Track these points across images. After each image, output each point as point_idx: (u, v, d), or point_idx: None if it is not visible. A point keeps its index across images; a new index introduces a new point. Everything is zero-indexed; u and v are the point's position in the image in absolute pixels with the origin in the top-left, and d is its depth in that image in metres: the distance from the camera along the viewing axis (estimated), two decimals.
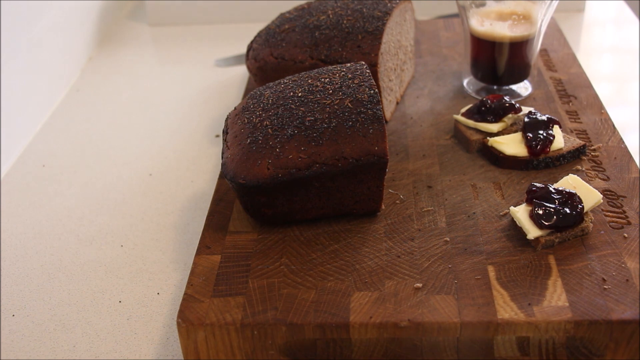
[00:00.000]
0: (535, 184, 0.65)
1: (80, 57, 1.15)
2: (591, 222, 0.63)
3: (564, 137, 0.75)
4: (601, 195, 0.64)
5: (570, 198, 0.63)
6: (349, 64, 0.70)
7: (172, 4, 1.26)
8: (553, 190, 0.63)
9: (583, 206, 0.62)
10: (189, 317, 0.57)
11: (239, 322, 0.56)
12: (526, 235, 0.62)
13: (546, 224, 0.61)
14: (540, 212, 0.62)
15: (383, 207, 0.68)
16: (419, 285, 0.58)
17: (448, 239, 0.63)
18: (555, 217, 0.61)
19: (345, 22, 0.81)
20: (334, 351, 0.57)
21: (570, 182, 0.65)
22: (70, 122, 0.99)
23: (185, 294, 0.60)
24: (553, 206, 0.62)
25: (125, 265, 0.72)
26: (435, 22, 1.09)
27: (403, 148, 0.77)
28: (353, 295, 0.58)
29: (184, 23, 1.27)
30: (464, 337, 0.56)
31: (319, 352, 0.57)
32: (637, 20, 1.19)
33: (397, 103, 0.87)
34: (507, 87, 0.87)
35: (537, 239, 0.61)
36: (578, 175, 0.69)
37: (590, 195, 0.64)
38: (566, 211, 0.62)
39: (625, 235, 0.63)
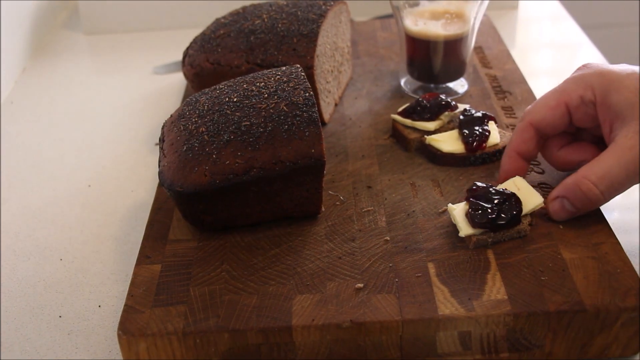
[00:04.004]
0: (477, 183, 0.65)
1: (13, 69, 1.13)
2: (530, 225, 0.63)
3: (499, 132, 0.76)
4: (542, 199, 0.64)
5: (508, 199, 0.62)
6: (284, 68, 0.70)
7: (107, 11, 1.24)
8: (493, 191, 0.63)
9: (521, 209, 0.62)
10: (129, 329, 0.56)
11: (180, 331, 0.56)
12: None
13: (478, 222, 0.61)
14: (474, 210, 0.62)
15: (323, 209, 0.68)
16: (360, 285, 0.59)
17: (388, 238, 0.64)
18: (488, 216, 0.61)
19: (280, 25, 0.81)
20: (278, 355, 0.57)
21: (514, 184, 0.65)
22: (5, 135, 0.97)
23: (125, 305, 0.59)
24: (489, 206, 0.62)
25: (64, 279, 0.71)
26: (372, 22, 1.10)
27: (342, 149, 0.78)
28: (295, 298, 0.58)
29: (120, 31, 1.26)
30: (407, 335, 0.56)
31: (263, 357, 0.57)
32: (570, 17, 1.22)
33: (336, 105, 0.87)
34: (443, 85, 0.88)
35: (469, 237, 0.62)
36: None
37: (531, 198, 0.63)
38: (501, 212, 0.62)
39: (561, 226, 0.64)
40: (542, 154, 0.70)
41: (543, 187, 0.69)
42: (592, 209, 0.63)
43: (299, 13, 0.82)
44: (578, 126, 0.66)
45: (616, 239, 0.62)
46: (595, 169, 0.61)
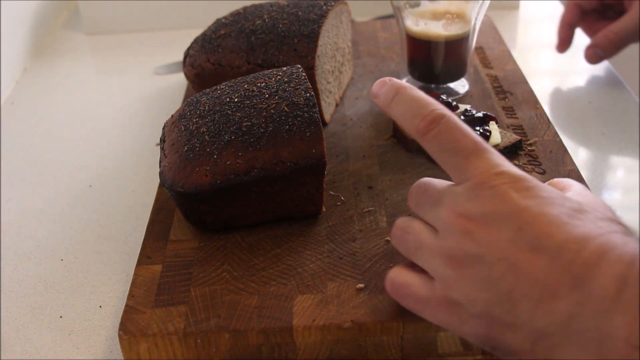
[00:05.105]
0: None
1: (14, 69, 1.13)
2: None
3: (500, 132, 0.76)
4: None
5: None
6: (285, 68, 0.70)
7: (108, 11, 1.25)
8: None
9: None
10: (130, 329, 0.56)
11: (181, 332, 0.56)
12: None
13: None
14: None
15: (324, 209, 0.68)
16: (361, 285, 0.59)
17: (389, 239, 0.64)
18: None
19: (281, 25, 0.81)
20: (279, 355, 0.57)
21: None
22: (5, 135, 0.97)
23: (126, 305, 0.59)
24: None
25: (65, 279, 0.71)
26: (373, 23, 1.10)
27: (343, 150, 0.78)
28: (296, 298, 0.58)
29: (121, 31, 1.26)
30: (408, 335, 0.56)
31: (264, 357, 0.57)
32: None
33: (337, 105, 0.87)
34: (444, 86, 0.88)
35: None
36: None
37: None
38: None
39: None
40: (582, 29, 1.01)
41: None
42: (616, 53, 0.94)
43: (299, 13, 0.81)
44: (607, 2, 0.97)
45: None
46: (615, 24, 0.93)
